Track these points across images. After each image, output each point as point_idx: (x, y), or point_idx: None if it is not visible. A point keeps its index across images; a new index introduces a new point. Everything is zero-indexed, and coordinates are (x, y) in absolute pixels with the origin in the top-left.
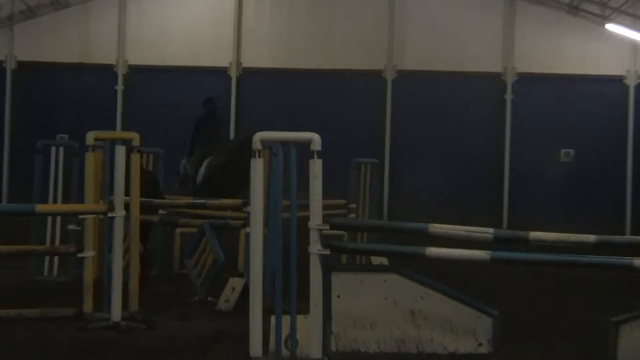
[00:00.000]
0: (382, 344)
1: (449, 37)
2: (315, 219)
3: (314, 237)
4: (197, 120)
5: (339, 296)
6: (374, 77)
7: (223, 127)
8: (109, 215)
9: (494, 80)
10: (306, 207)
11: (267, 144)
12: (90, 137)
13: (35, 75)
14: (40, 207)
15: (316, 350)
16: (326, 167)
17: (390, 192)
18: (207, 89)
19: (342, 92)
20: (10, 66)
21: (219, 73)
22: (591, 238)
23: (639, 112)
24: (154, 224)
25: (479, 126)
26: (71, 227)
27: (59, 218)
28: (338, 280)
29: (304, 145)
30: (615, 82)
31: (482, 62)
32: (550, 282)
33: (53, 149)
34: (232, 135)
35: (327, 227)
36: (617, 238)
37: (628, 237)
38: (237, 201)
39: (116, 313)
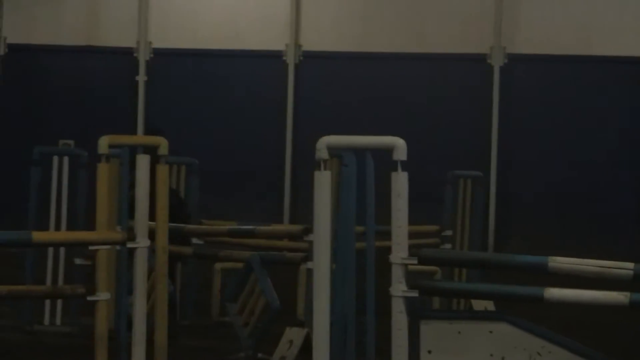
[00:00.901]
0: None
1: (577, 14)
2: (399, 251)
3: (397, 274)
4: None
5: (430, 352)
6: (476, 63)
7: None
8: (128, 245)
9: (630, 65)
10: (387, 235)
11: (335, 152)
12: (103, 143)
13: (29, 62)
14: (38, 236)
15: None
16: (413, 182)
17: (499, 215)
18: (256, 78)
19: (433, 81)
20: None
21: (272, 58)
22: None
23: None
24: (184, 257)
25: (612, 122)
26: (78, 261)
27: (62, 249)
28: (429, 330)
29: (385, 154)
30: None
31: (614, 44)
32: None
33: (55, 158)
34: (290, 139)
35: (415, 262)
36: None
37: None
38: (296, 227)
39: None
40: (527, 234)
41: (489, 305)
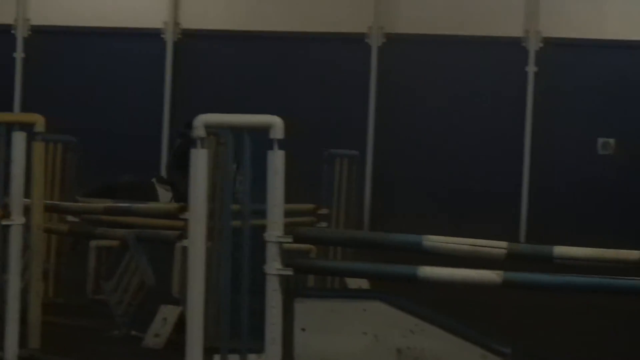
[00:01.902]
0: None
1: None
2: (275, 229)
3: (272, 252)
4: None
5: (303, 330)
6: (354, 43)
7: None
8: (3, 222)
9: (513, 48)
10: (264, 214)
11: (212, 130)
12: None
13: None
14: None
15: None
16: (291, 161)
17: (375, 193)
18: (134, 57)
19: (312, 62)
20: None
21: (150, 37)
22: (634, 255)
23: None
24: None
25: (495, 106)
26: None
27: None
28: (303, 309)
29: (262, 133)
30: None
31: (497, 24)
32: (584, 313)
33: None
34: (168, 118)
35: (290, 240)
36: None
37: None
38: (172, 205)
39: (11, 352)
40: (403, 213)
41: (364, 284)
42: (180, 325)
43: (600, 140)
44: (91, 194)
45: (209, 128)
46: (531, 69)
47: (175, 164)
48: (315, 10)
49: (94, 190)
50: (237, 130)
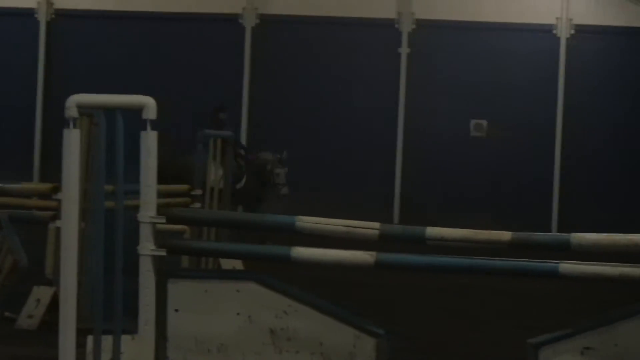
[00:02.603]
0: None
1: None
2: (148, 210)
3: (145, 233)
4: None
5: (177, 310)
6: (229, 24)
7: None
8: None
9: (386, 29)
10: (137, 194)
11: (85, 111)
12: None
13: None
14: None
15: None
16: (165, 142)
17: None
18: (7, 36)
19: (186, 42)
20: None
21: (24, 16)
22: (506, 236)
23: (571, 72)
24: None
25: (370, 84)
26: None
27: None
28: (176, 289)
29: (136, 113)
30: (545, 34)
31: (371, 6)
32: (457, 293)
33: None
34: (41, 98)
35: (164, 220)
36: (539, 236)
37: (552, 235)
38: (45, 185)
39: None
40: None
41: (238, 265)
42: (54, 306)
43: (473, 122)
44: None
45: (82, 108)
46: (404, 50)
47: None
48: None
49: None
50: (110, 110)
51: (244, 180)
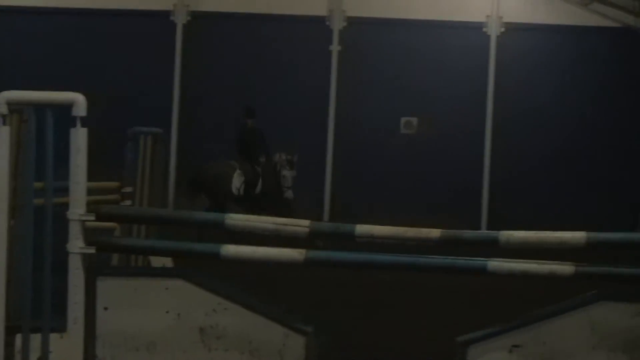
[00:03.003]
0: None
1: None
2: (77, 207)
3: (74, 230)
4: None
5: (106, 308)
6: (160, 20)
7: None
8: None
9: (317, 26)
10: (67, 191)
11: (16, 107)
12: None
13: None
14: None
15: None
16: (95, 139)
17: (180, 172)
18: None
19: (117, 38)
20: None
21: None
22: (435, 233)
23: (501, 69)
24: None
25: (301, 81)
26: None
27: None
28: (105, 287)
29: (65, 110)
30: (475, 31)
31: (302, 3)
32: (387, 290)
33: None
34: None
35: (93, 218)
36: (467, 233)
37: (480, 233)
38: None
39: None
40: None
41: (168, 263)
42: None
43: (403, 119)
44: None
45: (12, 105)
46: (335, 47)
47: (237, 150)
48: None
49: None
50: (38, 107)
51: (259, 185)
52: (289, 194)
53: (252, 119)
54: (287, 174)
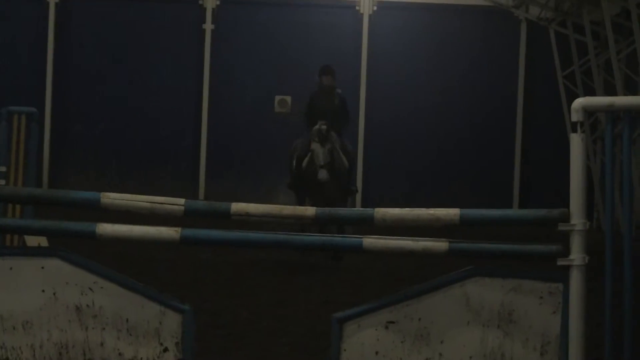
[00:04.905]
0: (39, 350)
1: None
2: None
3: None
4: None
5: None
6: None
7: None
8: None
9: (191, 5)
10: None
11: None
12: None
13: None
14: None
15: None
16: None
17: (54, 151)
18: None
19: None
20: None
21: None
22: (311, 211)
23: (374, 47)
24: None
25: (175, 61)
26: None
27: None
28: None
29: None
30: (348, 10)
31: None
32: (264, 268)
33: None
34: None
35: None
36: (343, 211)
37: (355, 210)
38: None
39: None
40: (85, 171)
41: (43, 242)
42: None
43: (277, 98)
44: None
45: None
46: (208, 26)
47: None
48: None
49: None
50: None
51: (305, 161)
52: (322, 174)
53: (326, 76)
54: (317, 148)
